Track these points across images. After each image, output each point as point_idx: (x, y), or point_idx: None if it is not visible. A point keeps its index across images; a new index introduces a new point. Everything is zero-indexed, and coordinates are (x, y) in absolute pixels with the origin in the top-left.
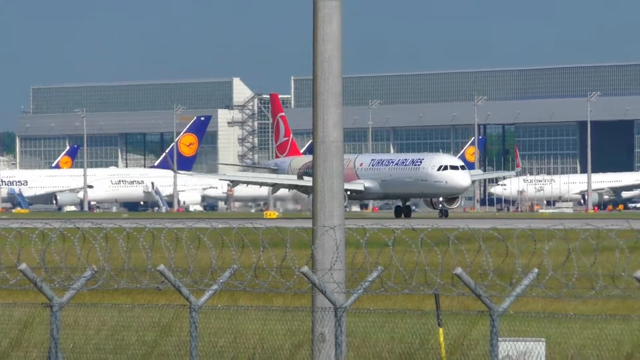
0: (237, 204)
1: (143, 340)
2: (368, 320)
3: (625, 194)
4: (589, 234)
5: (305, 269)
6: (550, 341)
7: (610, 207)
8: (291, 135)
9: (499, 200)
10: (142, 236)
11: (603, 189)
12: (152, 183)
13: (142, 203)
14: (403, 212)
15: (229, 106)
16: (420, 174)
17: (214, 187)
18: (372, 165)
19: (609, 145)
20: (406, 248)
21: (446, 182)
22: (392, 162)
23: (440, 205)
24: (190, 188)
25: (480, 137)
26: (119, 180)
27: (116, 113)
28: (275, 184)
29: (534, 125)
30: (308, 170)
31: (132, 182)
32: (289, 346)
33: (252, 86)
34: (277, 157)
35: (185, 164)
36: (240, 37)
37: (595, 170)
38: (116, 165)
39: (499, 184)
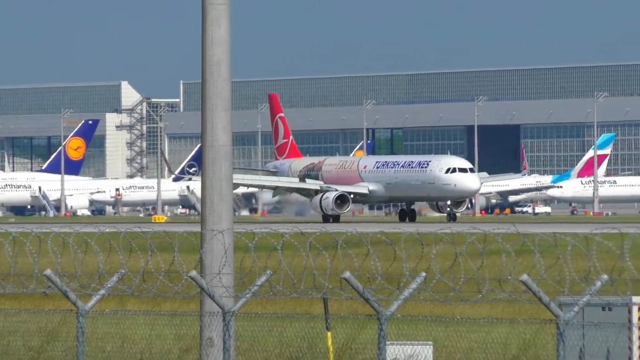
0: (125, 208)
1: (29, 346)
2: (256, 324)
3: (512, 198)
4: (475, 238)
5: (194, 273)
6: (438, 344)
7: (497, 211)
8: (291, 137)
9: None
10: (29, 241)
11: (490, 192)
12: (40, 187)
13: (29, 207)
14: (408, 215)
15: (117, 110)
16: (428, 177)
17: (101, 192)
18: (377, 168)
19: (496, 150)
20: (295, 252)
21: (455, 185)
22: (398, 164)
23: (448, 209)
24: (78, 192)
25: (369, 141)
26: (6, 185)
27: (2, 117)
28: (277, 186)
29: (422, 130)
30: (309, 173)
31: (19, 187)
32: (177, 351)
33: (141, 90)
34: (276, 159)
35: (73, 167)
36: (128, 41)
37: None
38: (2, 169)
39: None
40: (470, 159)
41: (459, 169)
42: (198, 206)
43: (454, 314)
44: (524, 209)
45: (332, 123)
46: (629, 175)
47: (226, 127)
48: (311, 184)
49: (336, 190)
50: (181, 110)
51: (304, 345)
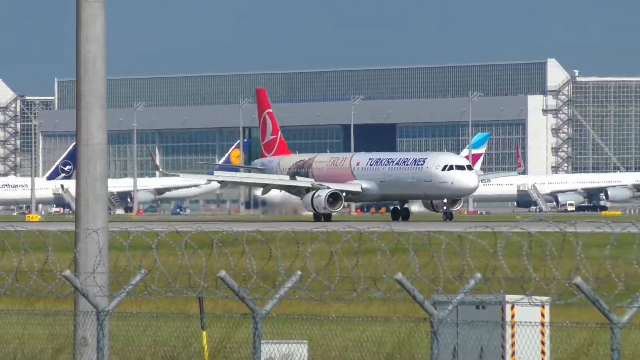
0: None
1: None
2: (131, 323)
3: None
4: (351, 237)
5: (67, 272)
6: (313, 343)
7: (373, 209)
8: (279, 133)
9: (263, 203)
10: None
11: None
12: None
13: None
14: (401, 214)
15: None
16: (424, 174)
17: None
18: (370, 165)
19: (373, 149)
20: (170, 251)
21: (452, 182)
22: (392, 161)
23: (445, 207)
24: None
25: (246, 140)
26: None
27: None
28: (267, 184)
29: (299, 128)
30: (299, 170)
31: None
32: (51, 350)
33: (15, 88)
34: (263, 156)
35: None
36: (1, 38)
37: None
38: None
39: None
40: None
41: (456, 166)
42: (73, 205)
43: (329, 313)
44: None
45: (209, 122)
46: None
47: (101, 125)
48: (302, 182)
49: (328, 187)
50: (56, 108)
51: (178, 345)
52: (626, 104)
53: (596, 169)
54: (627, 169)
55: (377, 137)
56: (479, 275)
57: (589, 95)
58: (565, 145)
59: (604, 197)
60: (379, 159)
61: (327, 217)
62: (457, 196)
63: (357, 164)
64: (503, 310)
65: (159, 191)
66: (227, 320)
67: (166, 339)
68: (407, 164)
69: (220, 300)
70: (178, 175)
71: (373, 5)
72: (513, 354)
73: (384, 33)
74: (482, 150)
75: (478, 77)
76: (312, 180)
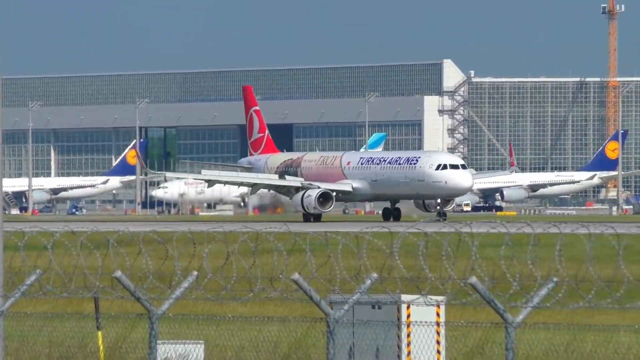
0: None
1: None
2: (26, 324)
3: None
4: (248, 237)
5: None
6: (209, 343)
7: (270, 209)
8: (267, 131)
9: (160, 203)
10: None
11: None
12: None
13: None
14: (392, 214)
15: None
16: (417, 174)
17: None
18: (361, 164)
19: None
20: (66, 251)
21: (446, 182)
22: (384, 160)
23: (438, 208)
24: None
25: (142, 140)
26: None
27: None
28: (255, 184)
29: (196, 129)
30: (288, 169)
31: None
32: None
33: None
34: (250, 154)
35: None
36: None
37: None
38: None
39: (160, 187)
40: (244, 157)
41: (450, 165)
42: None
43: (225, 313)
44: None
45: (104, 121)
46: None
47: None
48: (292, 181)
49: (319, 187)
50: None
51: (74, 345)
52: (521, 104)
53: (492, 169)
54: (522, 170)
55: (274, 137)
56: (375, 275)
57: (484, 95)
58: (461, 146)
59: (499, 197)
60: (371, 157)
61: (317, 217)
62: (451, 196)
63: (348, 163)
64: (399, 310)
65: (55, 191)
66: (123, 321)
67: (62, 339)
68: (399, 163)
69: (116, 300)
70: (164, 175)
71: (270, 4)
72: (409, 353)
73: (282, 33)
74: (380, 149)
75: (375, 77)
76: (302, 179)
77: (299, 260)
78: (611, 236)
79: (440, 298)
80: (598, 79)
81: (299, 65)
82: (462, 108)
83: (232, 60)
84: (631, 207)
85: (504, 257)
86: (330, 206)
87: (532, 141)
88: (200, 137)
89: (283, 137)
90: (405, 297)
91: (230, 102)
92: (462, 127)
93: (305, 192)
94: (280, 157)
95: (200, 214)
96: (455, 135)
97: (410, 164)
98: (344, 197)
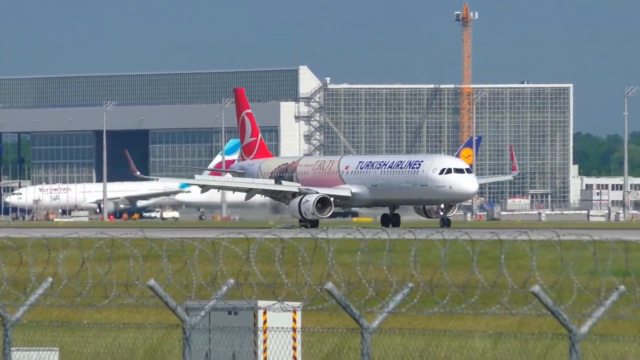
0: None
1: None
2: None
3: (140, 203)
4: (104, 243)
5: None
6: (64, 350)
7: (125, 215)
8: (259, 135)
9: (15, 209)
10: None
11: (119, 197)
12: None
13: None
14: (391, 221)
15: None
16: (420, 178)
17: None
18: (360, 168)
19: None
20: None
21: (450, 187)
22: (385, 164)
23: (442, 213)
24: None
25: None
26: None
27: None
28: (251, 189)
29: (51, 134)
30: (283, 174)
31: None
32: None
33: None
34: (242, 159)
35: None
36: None
37: (112, 179)
38: None
39: (14, 193)
40: (99, 164)
41: (454, 169)
42: None
43: (81, 319)
44: (152, 214)
45: None
46: None
47: None
48: (288, 186)
49: (317, 192)
50: None
51: None
52: (376, 110)
53: None
54: None
55: (131, 143)
56: (231, 281)
57: (340, 102)
58: (318, 152)
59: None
60: (370, 162)
61: (314, 224)
62: (455, 201)
63: (346, 167)
64: (255, 316)
65: None
66: None
67: None
68: (401, 167)
69: None
70: (157, 179)
71: (125, 9)
72: (265, 359)
73: (137, 38)
74: (234, 156)
75: (231, 83)
76: (298, 184)
77: (155, 267)
78: (465, 242)
79: (296, 304)
80: (452, 86)
81: (154, 71)
82: (318, 114)
83: (87, 65)
84: (485, 213)
85: (360, 263)
86: (329, 212)
87: (387, 147)
88: (56, 143)
89: (139, 142)
90: (261, 303)
91: (86, 107)
92: (318, 133)
93: (302, 198)
94: (274, 162)
95: (55, 220)
96: (311, 141)
97: (413, 168)
98: (342, 202)
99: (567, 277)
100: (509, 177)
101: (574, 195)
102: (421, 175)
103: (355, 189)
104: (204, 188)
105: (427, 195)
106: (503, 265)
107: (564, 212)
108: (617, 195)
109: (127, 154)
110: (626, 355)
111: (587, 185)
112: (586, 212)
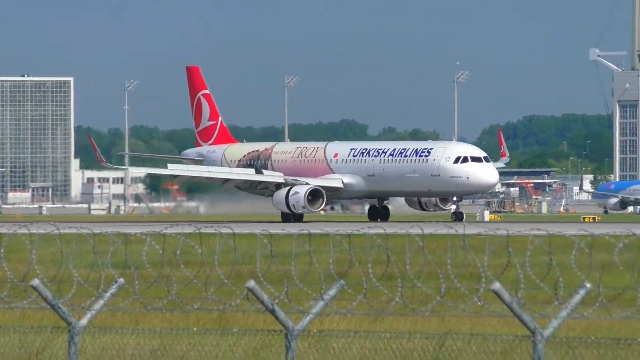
0: None
1: None
2: None
3: None
4: None
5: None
6: None
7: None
8: (220, 118)
9: None
10: None
11: None
12: None
13: None
14: (379, 214)
15: None
16: (430, 167)
17: None
18: (354, 156)
19: None
20: None
21: (467, 177)
22: (384, 152)
23: (455, 207)
24: None
25: None
26: None
27: None
28: (228, 179)
29: None
30: (254, 162)
31: None
32: None
33: None
34: (198, 145)
35: None
36: None
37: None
38: None
39: None
40: None
41: (471, 157)
42: None
43: None
44: None
45: None
46: None
47: None
48: (272, 176)
49: (306, 183)
50: None
51: None
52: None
53: None
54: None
55: None
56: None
57: None
58: None
59: None
60: (365, 149)
61: (298, 218)
62: (471, 193)
63: (335, 155)
64: None
65: None
66: None
67: None
68: (405, 156)
69: None
70: (127, 169)
71: None
72: None
73: None
74: None
75: None
76: (280, 174)
77: None
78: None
79: None
80: None
81: None
82: None
83: None
84: None
85: None
86: (321, 205)
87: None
88: None
89: None
90: None
91: None
92: None
93: (290, 189)
94: (242, 148)
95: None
96: None
97: (421, 156)
98: (332, 194)
99: (67, 270)
100: (501, 164)
101: (76, 188)
102: (432, 164)
103: (347, 179)
104: (177, 178)
105: (439, 187)
106: (2, 259)
107: (66, 205)
108: (118, 189)
109: (91, 140)
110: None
111: (88, 179)
112: (87, 205)
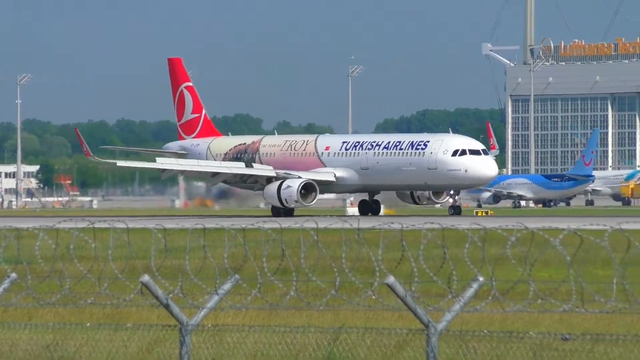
0: None
1: None
2: None
3: None
4: None
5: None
6: None
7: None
8: (204, 111)
9: None
10: None
11: None
12: None
13: None
14: (370, 209)
15: None
16: (427, 161)
17: None
18: (346, 149)
19: None
20: None
21: (465, 170)
22: (378, 145)
23: (452, 200)
24: None
25: None
26: None
27: None
28: (217, 173)
29: None
30: (241, 156)
31: None
32: None
33: None
34: (181, 138)
35: None
36: None
37: None
38: None
39: None
40: None
41: (469, 150)
42: None
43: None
44: None
45: None
46: None
47: None
48: (262, 170)
49: (299, 177)
50: None
51: None
52: None
53: None
54: None
55: None
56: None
57: None
58: None
59: None
60: (358, 142)
61: (288, 212)
62: (469, 187)
63: (326, 148)
64: None
65: None
66: None
67: None
68: (400, 149)
69: None
70: (115, 163)
71: None
72: None
73: None
74: None
75: None
76: (270, 167)
77: None
78: None
79: None
80: None
81: None
82: None
83: None
84: None
85: None
86: (314, 199)
87: None
88: None
89: None
90: None
91: None
92: None
93: (282, 183)
94: (228, 141)
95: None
96: None
97: (417, 149)
98: (324, 188)
99: None
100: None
101: None
102: (429, 157)
103: (340, 173)
104: (165, 172)
105: (435, 180)
106: None
107: None
108: (10, 183)
109: (78, 133)
110: None
111: None
112: None
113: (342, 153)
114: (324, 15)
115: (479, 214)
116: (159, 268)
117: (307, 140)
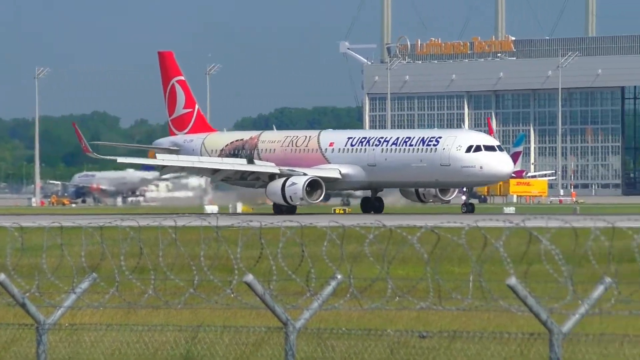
0: None
1: None
2: None
3: None
4: None
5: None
6: None
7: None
8: (197, 106)
9: None
10: None
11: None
12: None
13: None
14: (373, 207)
15: None
16: (440, 157)
17: None
18: (352, 145)
19: None
20: None
21: (481, 167)
22: (386, 141)
23: (465, 198)
24: None
25: None
26: None
27: None
28: (218, 169)
29: None
30: (238, 152)
31: None
32: None
33: None
34: (172, 134)
35: None
36: None
37: None
38: None
39: None
40: None
41: (484, 146)
42: None
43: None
44: None
45: None
46: None
47: None
48: (265, 167)
49: (304, 174)
50: None
51: None
52: None
53: None
54: None
55: None
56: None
57: None
58: None
59: None
60: (364, 137)
61: (290, 210)
62: (484, 184)
63: (330, 144)
64: None
65: None
66: None
67: None
68: (411, 145)
69: None
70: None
71: None
72: None
73: None
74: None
75: None
76: (273, 164)
77: None
78: None
79: None
80: None
81: None
82: None
83: None
84: None
85: None
86: (320, 197)
87: None
88: None
89: None
90: None
91: None
92: None
93: (287, 180)
94: (224, 137)
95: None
96: None
97: (428, 145)
98: (329, 185)
99: None
100: None
101: None
102: (441, 153)
103: (345, 170)
104: (165, 170)
105: (447, 177)
106: None
107: None
108: None
109: (77, 129)
110: None
111: None
112: None
113: (348, 149)
114: (137, 12)
115: (337, 212)
116: (15, 266)
117: (309, 136)
